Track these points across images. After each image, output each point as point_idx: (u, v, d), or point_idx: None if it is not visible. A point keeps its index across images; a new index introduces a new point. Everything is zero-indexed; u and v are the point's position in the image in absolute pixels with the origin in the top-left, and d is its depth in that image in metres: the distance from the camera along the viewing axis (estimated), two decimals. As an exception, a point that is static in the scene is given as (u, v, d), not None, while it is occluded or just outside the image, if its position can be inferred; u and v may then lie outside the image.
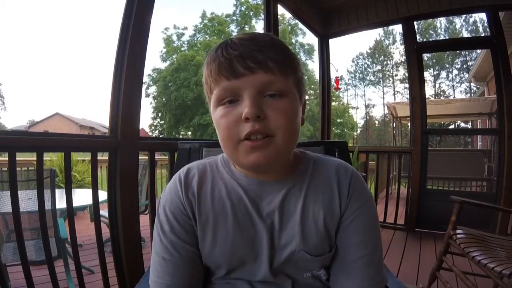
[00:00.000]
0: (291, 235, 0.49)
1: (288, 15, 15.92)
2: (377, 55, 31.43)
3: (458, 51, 23.36)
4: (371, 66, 32.19)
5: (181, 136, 22.03)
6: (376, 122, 33.16)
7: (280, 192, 0.50)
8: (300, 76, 0.50)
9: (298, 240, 0.48)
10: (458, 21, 26.14)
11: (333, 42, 3.40)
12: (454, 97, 25.20)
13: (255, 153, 0.44)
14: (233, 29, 22.78)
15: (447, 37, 25.72)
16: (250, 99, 0.43)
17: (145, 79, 21.66)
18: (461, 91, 27.89)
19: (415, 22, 2.87)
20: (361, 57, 32.23)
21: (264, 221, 0.49)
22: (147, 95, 22.50)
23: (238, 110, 0.44)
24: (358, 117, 32.97)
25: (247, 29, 22.57)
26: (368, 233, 0.50)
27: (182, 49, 22.39)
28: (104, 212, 1.87)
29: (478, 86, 8.86)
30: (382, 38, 30.84)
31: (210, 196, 0.51)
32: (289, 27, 22.82)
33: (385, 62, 31.32)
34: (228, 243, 0.49)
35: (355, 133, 30.50)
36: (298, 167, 0.53)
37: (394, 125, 7.70)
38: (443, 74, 28.68)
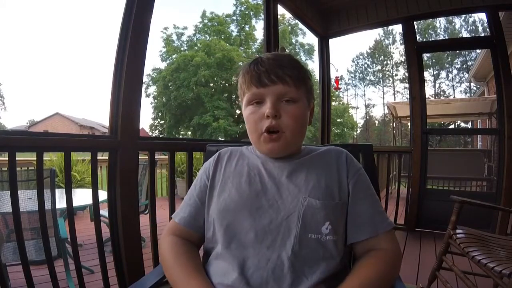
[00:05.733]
0: (299, 186, 0.61)
1: (288, 15, 15.90)
2: (377, 55, 31.46)
3: (457, 51, 23.37)
4: (371, 66, 32.25)
5: (181, 136, 21.99)
6: (376, 122, 33.20)
7: (289, 164, 0.65)
8: (310, 86, 0.66)
9: (304, 191, 0.60)
10: (457, 21, 26.23)
11: (333, 42, 3.40)
12: (454, 97, 25.23)
13: (271, 143, 0.62)
14: (233, 29, 22.78)
15: (446, 37, 25.69)
16: (271, 102, 0.61)
17: (145, 79, 21.55)
18: (461, 91, 27.97)
19: (415, 22, 2.87)
20: (361, 57, 32.31)
21: (274, 178, 0.64)
22: (147, 95, 22.40)
23: (262, 109, 0.62)
24: (358, 117, 33.07)
25: (247, 29, 22.57)
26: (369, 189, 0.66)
27: (182, 49, 22.33)
28: (104, 211, 1.87)
29: (478, 86, 8.87)
30: (382, 38, 30.92)
31: (234, 165, 0.69)
32: (289, 27, 22.79)
33: (385, 62, 31.36)
34: (239, 191, 0.63)
35: (355, 133, 30.47)
36: (302, 153, 0.70)
37: (394, 125, 7.70)
38: (443, 74, 28.75)
